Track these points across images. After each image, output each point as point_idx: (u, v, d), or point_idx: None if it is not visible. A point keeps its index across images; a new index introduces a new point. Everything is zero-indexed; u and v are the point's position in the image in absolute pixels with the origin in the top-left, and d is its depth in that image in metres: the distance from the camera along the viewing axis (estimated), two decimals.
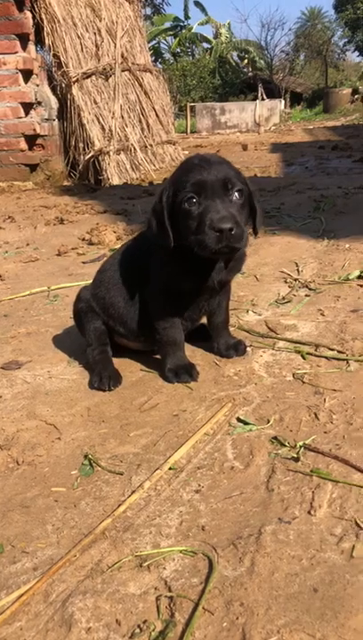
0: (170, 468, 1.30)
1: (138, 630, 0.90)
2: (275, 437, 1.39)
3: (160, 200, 1.52)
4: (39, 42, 7.13)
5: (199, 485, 1.25)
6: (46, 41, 7.10)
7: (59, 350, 1.98)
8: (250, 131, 17.25)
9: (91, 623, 0.92)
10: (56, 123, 7.18)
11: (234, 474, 1.28)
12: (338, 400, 1.55)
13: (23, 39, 6.45)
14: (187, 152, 10.11)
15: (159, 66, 25.86)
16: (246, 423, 1.46)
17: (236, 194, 1.47)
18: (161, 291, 1.66)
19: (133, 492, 1.23)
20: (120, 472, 1.30)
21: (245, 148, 10.91)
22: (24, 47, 6.50)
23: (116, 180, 7.11)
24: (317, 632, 0.87)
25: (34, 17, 6.83)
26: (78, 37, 7.39)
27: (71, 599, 0.97)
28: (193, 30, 31.19)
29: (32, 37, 6.66)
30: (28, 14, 6.56)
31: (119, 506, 1.19)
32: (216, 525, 1.13)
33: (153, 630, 0.90)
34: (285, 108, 21.28)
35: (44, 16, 6.97)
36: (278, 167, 7.87)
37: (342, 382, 1.64)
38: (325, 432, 1.42)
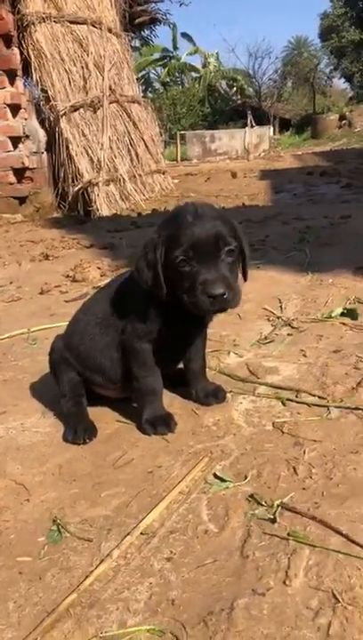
0: (141, 533, 1.25)
1: None
2: (252, 495, 1.34)
3: (154, 253, 1.50)
4: (27, 75, 7.23)
5: (171, 552, 1.19)
6: (34, 76, 7.20)
7: (34, 399, 1.93)
8: (240, 157, 17.47)
9: None
10: (45, 155, 7.23)
11: (208, 538, 1.23)
12: (318, 452, 1.51)
13: (11, 75, 6.53)
14: (177, 180, 10.21)
15: (150, 95, 26.29)
16: (222, 480, 1.41)
17: (228, 253, 1.47)
18: (142, 337, 1.62)
19: (102, 561, 1.17)
20: (89, 538, 1.25)
21: (234, 175, 11.03)
22: (12, 82, 6.57)
23: (105, 211, 7.13)
24: None
25: (21, 53, 6.94)
26: (66, 72, 7.50)
27: None
28: (182, 60, 31.83)
29: (20, 73, 6.75)
30: (16, 51, 6.67)
31: (86, 578, 1.13)
32: (187, 599, 1.07)
33: None
34: (274, 134, 21.62)
35: (31, 52, 7.09)
36: (266, 194, 7.94)
37: (322, 432, 1.60)
38: (303, 488, 1.37)
